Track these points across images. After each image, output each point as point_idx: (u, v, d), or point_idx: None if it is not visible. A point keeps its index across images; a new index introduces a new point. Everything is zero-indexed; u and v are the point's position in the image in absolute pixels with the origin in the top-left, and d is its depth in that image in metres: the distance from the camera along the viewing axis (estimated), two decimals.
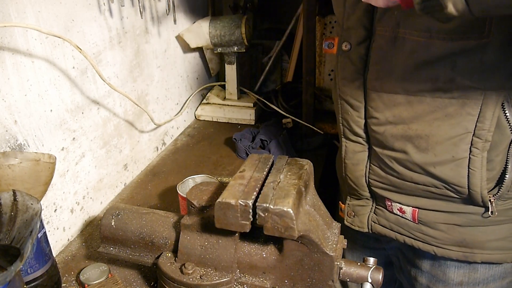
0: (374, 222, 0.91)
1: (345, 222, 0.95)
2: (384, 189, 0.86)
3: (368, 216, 0.91)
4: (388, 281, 1.10)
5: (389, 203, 0.86)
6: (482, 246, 0.80)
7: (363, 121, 0.84)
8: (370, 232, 0.93)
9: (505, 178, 0.74)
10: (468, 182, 0.75)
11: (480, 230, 0.80)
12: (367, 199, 0.91)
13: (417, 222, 0.84)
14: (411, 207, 0.84)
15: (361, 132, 0.85)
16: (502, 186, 0.74)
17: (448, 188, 0.77)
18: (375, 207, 0.90)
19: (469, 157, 0.73)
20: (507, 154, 0.73)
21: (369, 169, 0.86)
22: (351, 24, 0.79)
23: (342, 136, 0.90)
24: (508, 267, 0.84)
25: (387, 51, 0.76)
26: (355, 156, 0.88)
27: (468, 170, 0.74)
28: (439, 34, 0.69)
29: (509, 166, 0.74)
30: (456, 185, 0.76)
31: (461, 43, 0.68)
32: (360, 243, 1.06)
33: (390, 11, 0.73)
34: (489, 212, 0.76)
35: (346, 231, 1.02)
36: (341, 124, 0.89)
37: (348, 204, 0.94)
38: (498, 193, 0.75)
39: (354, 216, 0.94)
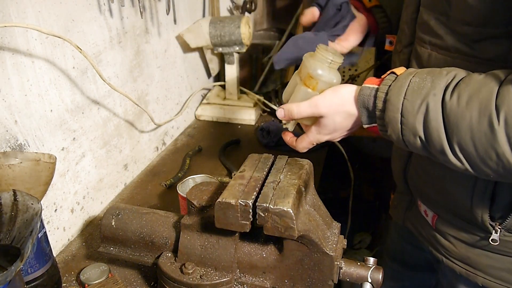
0: (408, 218, 0.93)
1: (389, 212, 0.98)
2: (417, 190, 0.87)
3: (405, 210, 0.93)
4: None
5: (419, 203, 0.88)
6: (485, 271, 0.78)
7: None
8: (404, 225, 0.95)
9: None
10: (471, 203, 0.73)
11: (485, 254, 0.78)
12: (405, 193, 0.93)
13: (434, 228, 0.85)
14: (432, 212, 0.84)
15: None
16: (509, 217, 0.71)
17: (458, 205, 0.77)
18: (411, 203, 0.92)
19: (475, 182, 0.72)
20: None
21: (409, 165, 0.88)
22: (402, 26, 0.81)
23: None
24: None
25: (420, 62, 0.75)
26: (399, 151, 0.90)
27: (473, 191, 0.72)
28: (466, 56, 0.67)
29: None
30: (464, 203, 0.75)
31: (487, 65, 0.65)
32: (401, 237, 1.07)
33: (428, 25, 0.71)
34: (489, 240, 0.73)
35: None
36: None
37: (394, 195, 0.97)
38: (504, 223, 0.72)
39: (395, 208, 0.96)
